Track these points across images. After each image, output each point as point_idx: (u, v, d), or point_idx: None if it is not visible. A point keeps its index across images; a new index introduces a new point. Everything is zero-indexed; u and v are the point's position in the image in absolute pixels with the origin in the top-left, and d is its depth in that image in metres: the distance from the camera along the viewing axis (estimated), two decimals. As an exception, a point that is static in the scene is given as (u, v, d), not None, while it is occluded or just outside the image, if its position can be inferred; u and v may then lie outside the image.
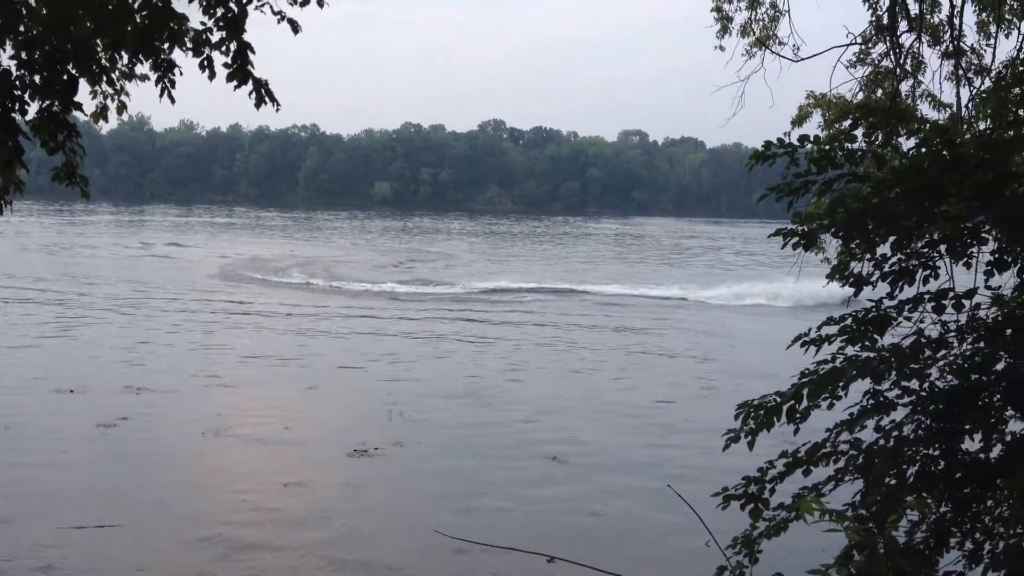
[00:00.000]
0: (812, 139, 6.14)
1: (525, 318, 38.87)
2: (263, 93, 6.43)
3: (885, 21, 12.67)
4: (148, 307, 37.73)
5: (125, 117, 7.47)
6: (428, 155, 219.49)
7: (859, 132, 11.42)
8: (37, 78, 6.03)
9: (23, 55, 6.04)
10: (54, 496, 15.01)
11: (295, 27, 6.53)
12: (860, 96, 13.25)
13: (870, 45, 13.09)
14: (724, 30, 13.79)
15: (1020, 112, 9.20)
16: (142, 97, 7.27)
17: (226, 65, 6.32)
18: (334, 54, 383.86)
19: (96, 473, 16.30)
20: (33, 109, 6.08)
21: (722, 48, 13.87)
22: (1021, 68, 9.62)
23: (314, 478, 16.58)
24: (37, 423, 19.14)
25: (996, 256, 6.13)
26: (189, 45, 6.40)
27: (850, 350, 6.16)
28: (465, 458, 17.98)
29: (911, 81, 13.07)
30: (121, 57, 6.60)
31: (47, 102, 6.05)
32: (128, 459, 17.06)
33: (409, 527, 14.36)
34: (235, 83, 6.33)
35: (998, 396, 5.91)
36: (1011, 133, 7.02)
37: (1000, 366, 6.00)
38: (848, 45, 13.00)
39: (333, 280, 50.63)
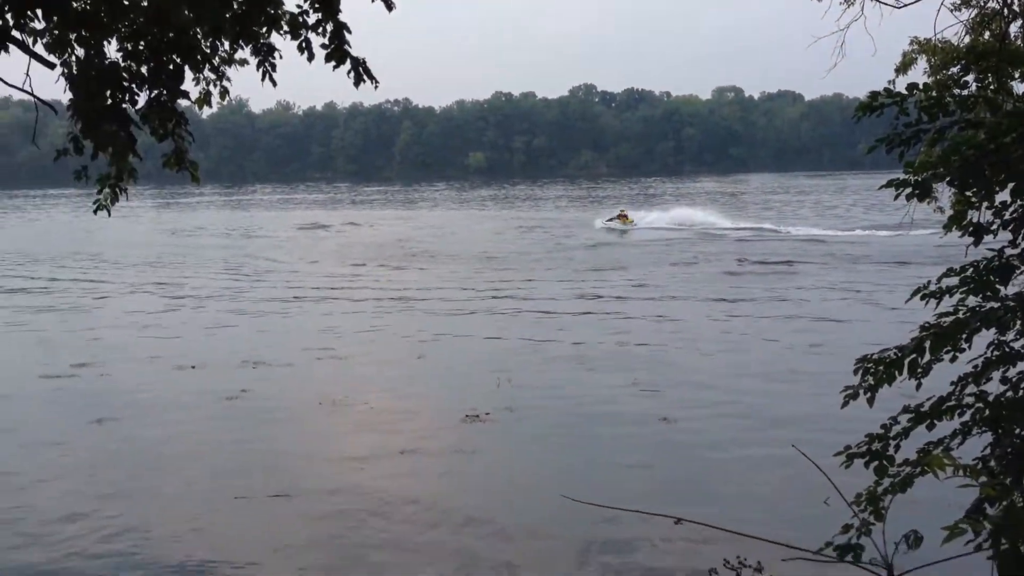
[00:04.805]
0: (921, 87, 5.94)
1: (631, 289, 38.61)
2: (361, 72, 6.48)
3: (992, -42, 12.11)
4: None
5: (226, 101, 7.62)
6: (520, 123, 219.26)
7: (970, 77, 10.98)
8: (144, 69, 6.19)
9: (128, 47, 6.21)
10: (201, 467, 15.77)
11: (389, 5, 6.54)
12: (967, 40, 12.71)
13: (975, -13, 12.53)
14: (821, -22, 13.35)
15: None
16: (240, 80, 7.42)
17: (323, 46, 6.38)
18: (419, 25, 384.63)
19: (221, 448, 16.85)
20: (142, 99, 6.23)
21: (819, -2, 13.44)
22: None
23: (428, 445, 16.88)
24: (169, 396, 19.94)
25: (1122, 197, 5.84)
26: (286, 28, 6.48)
27: (971, 301, 5.96)
28: (576, 421, 18.04)
29: (1020, 21, 12.47)
30: (222, 44, 6.72)
31: (155, 92, 6.22)
32: (249, 432, 17.63)
33: (534, 492, 14.52)
34: (333, 63, 6.39)
35: None
36: None
37: None
38: (953, -13, 12.47)
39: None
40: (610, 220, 67.59)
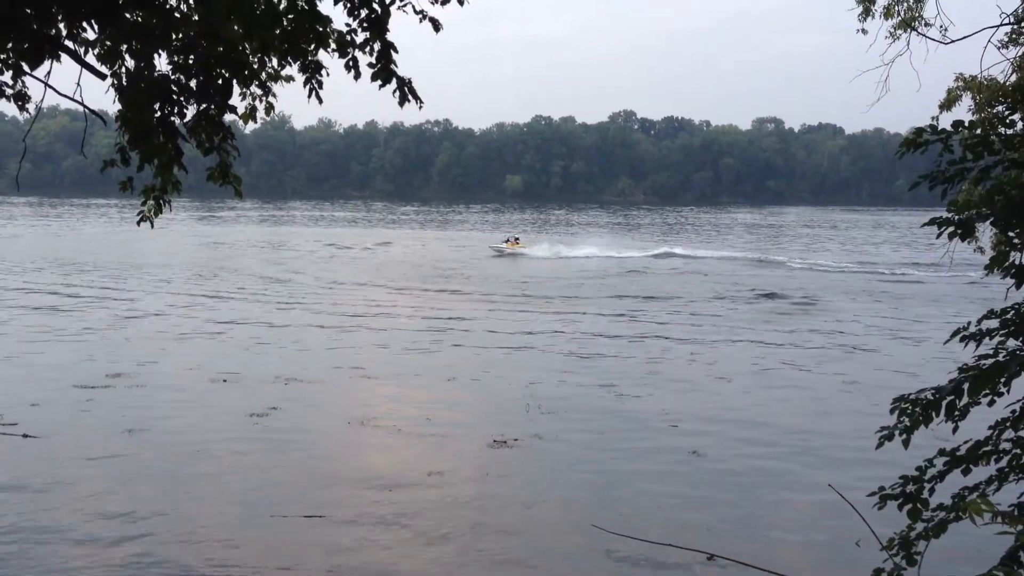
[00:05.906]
0: (967, 124, 5.87)
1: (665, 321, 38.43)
2: (406, 91, 6.51)
3: (1041, -2, 11.99)
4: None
5: (270, 117, 7.68)
6: (558, 147, 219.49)
7: (1016, 116, 10.86)
8: (193, 83, 6.25)
9: (179, 60, 6.27)
10: (232, 483, 15.78)
11: (436, 26, 6.59)
12: (1013, 78, 12.58)
13: (1023, 25, 12.42)
14: (866, 12, 13.29)
15: None
16: (283, 96, 7.48)
17: (370, 65, 6.42)
18: (462, 47, 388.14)
19: (253, 464, 16.86)
20: (190, 112, 6.29)
21: (864, 31, 13.35)
22: None
23: (456, 468, 16.81)
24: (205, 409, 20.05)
25: None
26: (334, 46, 6.52)
27: (1012, 344, 5.86)
28: (605, 451, 17.91)
29: (1071, 61, 12.32)
30: (270, 60, 6.78)
31: (203, 105, 6.27)
32: (280, 449, 17.66)
33: (563, 521, 14.41)
34: (379, 82, 6.43)
35: None
36: None
37: None
38: (1000, 25, 12.37)
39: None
40: (497, 244, 69.12)
